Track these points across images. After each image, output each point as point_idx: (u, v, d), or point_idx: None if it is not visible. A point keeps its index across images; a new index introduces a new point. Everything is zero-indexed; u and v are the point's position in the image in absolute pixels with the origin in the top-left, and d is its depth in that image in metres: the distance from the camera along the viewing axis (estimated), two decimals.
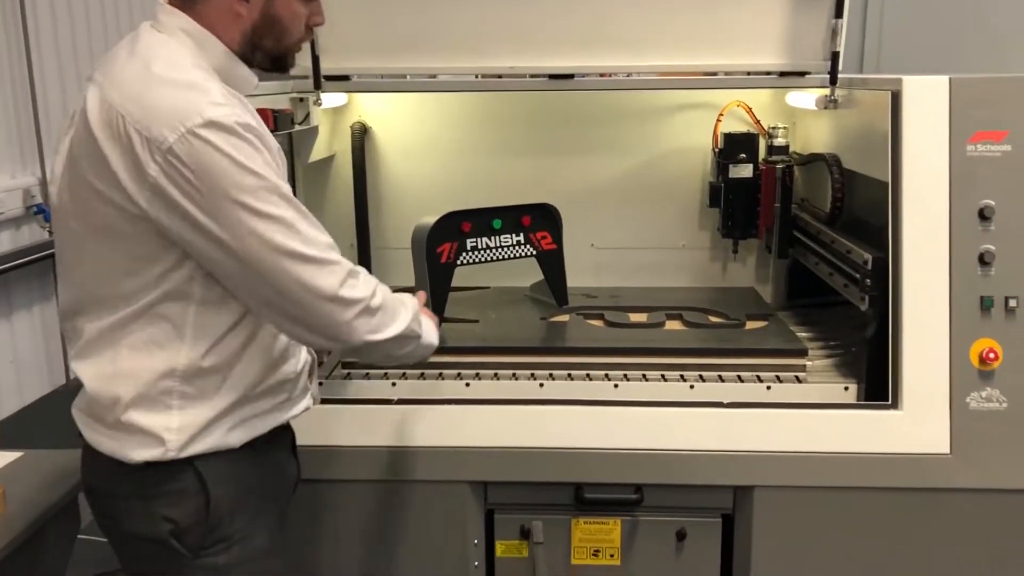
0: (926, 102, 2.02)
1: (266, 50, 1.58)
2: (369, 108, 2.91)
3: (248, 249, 1.41)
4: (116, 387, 1.50)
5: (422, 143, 2.93)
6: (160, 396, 1.50)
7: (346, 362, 2.30)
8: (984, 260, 2.00)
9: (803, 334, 2.53)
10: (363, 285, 1.53)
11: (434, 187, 2.92)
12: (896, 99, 2.03)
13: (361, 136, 2.89)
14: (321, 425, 2.03)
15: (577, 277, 2.85)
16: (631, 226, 2.94)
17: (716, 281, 2.97)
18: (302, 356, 1.73)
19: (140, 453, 1.49)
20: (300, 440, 1.92)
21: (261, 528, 1.63)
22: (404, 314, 1.63)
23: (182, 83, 1.42)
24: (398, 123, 2.93)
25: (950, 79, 2.01)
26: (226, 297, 1.51)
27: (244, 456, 1.57)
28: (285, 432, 1.76)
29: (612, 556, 2.14)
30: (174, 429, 1.50)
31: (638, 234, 2.95)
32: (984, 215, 2.00)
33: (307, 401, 1.77)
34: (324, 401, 2.09)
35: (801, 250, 2.65)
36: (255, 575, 1.60)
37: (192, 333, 1.50)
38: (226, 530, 1.57)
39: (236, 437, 1.57)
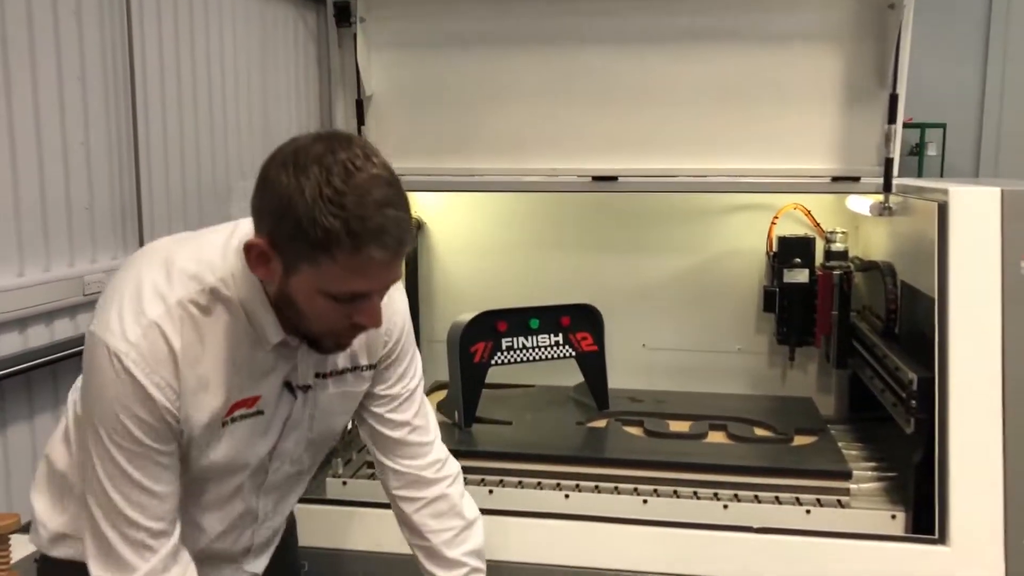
0: (975, 215, 1.90)
1: (293, 325, 1.37)
2: (424, 205, 2.96)
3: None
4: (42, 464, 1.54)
5: (475, 239, 2.96)
6: (59, 490, 1.50)
7: (369, 460, 2.29)
8: None
9: (856, 452, 2.38)
10: None
11: (486, 282, 2.93)
12: (943, 211, 1.92)
13: (415, 232, 2.93)
14: (329, 526, 2.01)
15: (626, 378, 2.79)
16: (684, 327, 2.87)
17: (774, 388, 2.85)
18: (236, 540, 1.55)
19: (31, 536, 1.53)
20: (308, 542, 1.91)
21: None
22: None
23: (145, 291, 1.34)
24: (452, 220, 2.97)
25: (1002, 191, 1.89)
26: None
27: None
28: None
29: None
30: (49, 527, 1.50)
31: (691, 336, 2.87)
32: None
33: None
34: (340, 503, 2.09)
35: (859, 361, 2.51)
36: None
37: None
38: None
39: None
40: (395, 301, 1.54)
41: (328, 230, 1.20)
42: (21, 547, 1.84)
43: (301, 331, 1.37)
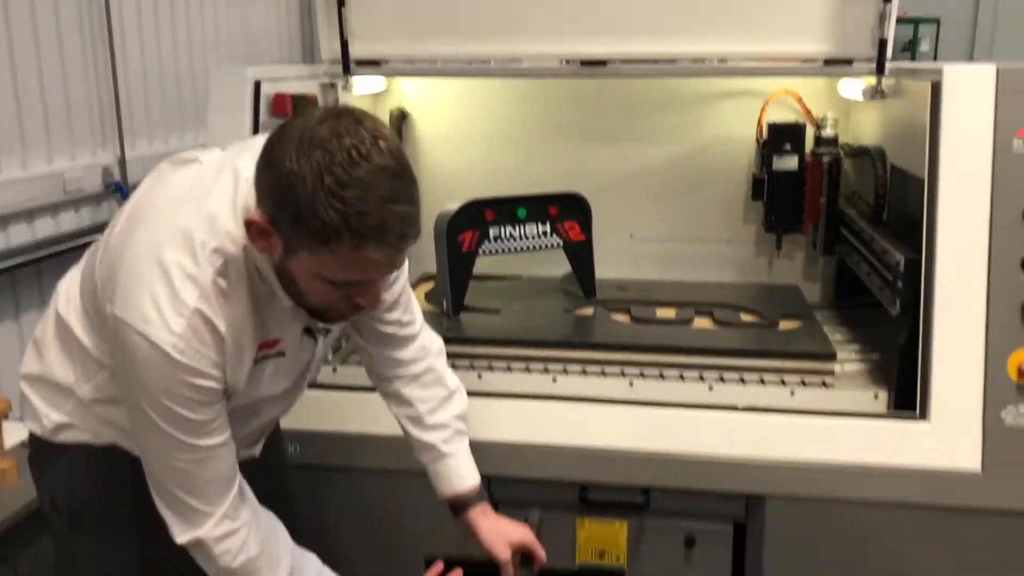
0: (969, 93, 1.87)
1: (293, 297, 1.38)
2: (408, 94, 2.90)
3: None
4: (33, 365, 1.56)
5: (461, 130, 2.90)
6: (55, 395, 1.52)
7: None
8: None
9: (841, 336, 2.41)
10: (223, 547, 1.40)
11: (472, 174, 2.89)
12: (936, 90, 1.89)
13: (399, 122, 2.87)
14: (322, 411, 2.03)
15: (614, 268, 2.78)
16: (672, 217, 2.85)
17: (761, 277, 2.85)
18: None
19: (29, 424, 1.56)
20: (299, 425, 1.94)
21: (132, 532, 1.54)
22: None
23: (174, 275, 1.30)
24: (437, 109, 2.91)
25: (997, 68, 1.86)
26: None
27: (118, 455, 1.51)
28: None
29: (618, 559, 2.08)
30: (51, 418, 1.53)
31: (679, 225, 2.85)
32: None
33: None
34: (330, 387, 2.11)
35: (847, 248, 2.52)
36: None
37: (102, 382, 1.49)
38: (91, 521, 1.55)
39: (103, 438, 1.53)
40: None
41: (327, 223, 1.19)
42: (13, 434, 1.87)
43: (301, 303, 1.38)
